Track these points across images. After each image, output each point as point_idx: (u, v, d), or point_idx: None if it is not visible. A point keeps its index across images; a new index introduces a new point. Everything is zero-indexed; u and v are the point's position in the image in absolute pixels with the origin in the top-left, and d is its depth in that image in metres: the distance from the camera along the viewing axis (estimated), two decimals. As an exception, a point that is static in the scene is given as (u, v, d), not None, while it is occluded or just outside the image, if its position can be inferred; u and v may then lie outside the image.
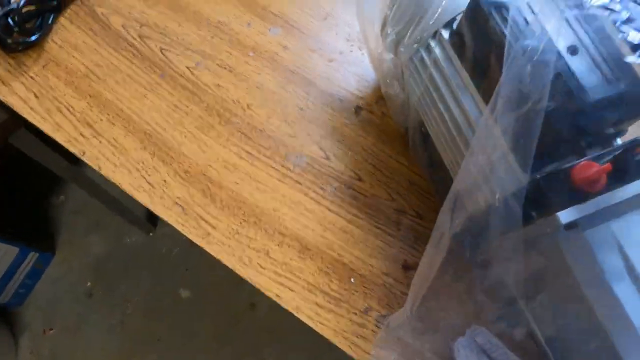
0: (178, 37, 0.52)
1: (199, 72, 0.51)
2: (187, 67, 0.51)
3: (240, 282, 0.44)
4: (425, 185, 0.47)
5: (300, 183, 0.46)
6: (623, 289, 0.29)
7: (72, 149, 0.47)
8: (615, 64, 0.29)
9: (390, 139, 0.48)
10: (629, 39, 0.27)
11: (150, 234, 1.17)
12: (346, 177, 0.47)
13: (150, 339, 1.08)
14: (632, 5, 0.28)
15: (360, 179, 0.47)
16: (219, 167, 0.47)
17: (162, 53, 0.51)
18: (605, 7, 0.30)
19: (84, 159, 0.47)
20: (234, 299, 1.09)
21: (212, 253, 0.44)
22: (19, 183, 1.20)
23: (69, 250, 1.16)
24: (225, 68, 0.51)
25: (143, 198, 0.45)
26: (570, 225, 0.28)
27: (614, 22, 0.29)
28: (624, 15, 0.28)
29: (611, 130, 0.31)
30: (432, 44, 0.37)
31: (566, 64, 0.29)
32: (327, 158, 0.48)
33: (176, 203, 0.45)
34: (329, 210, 0.45)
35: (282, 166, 0.47)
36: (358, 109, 0.50)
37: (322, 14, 0.54)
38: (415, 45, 0.39)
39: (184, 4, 0.54)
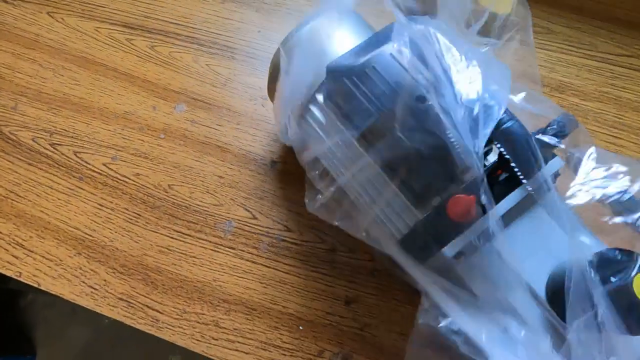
0: (89, 137, 0.54)
1: (116, 166, 0.52)
2: (104, 164, 0.53)
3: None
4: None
5: (233, 248, 0.49)
6: (517, 297, 0.32)
7: (8, 273, 0.48)
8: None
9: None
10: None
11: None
12: (275, 231, 0.49)
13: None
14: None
15: (288, 229, 0.49)
16: (154, 253, 0.49)
17: (76, 156, 0.53)
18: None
19: (22, 279, 0.48)
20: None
21: (165, 338, 0.46)
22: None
23: (50, 345, 1.15)
24: (140, 156, 0.53)
25: (88, 302, 0.47)
26: (458, 256, 0.32)
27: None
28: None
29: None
30: (312, 108, 0.40)
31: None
32: (254, 217, 0.50)
33: (120, 299, 0.47)
34: (266, 266, 0.48)
35: (214, 236, 0.49)
36: (273, 164, 0.52)
37: (222, 81, 0.57)
38: (302, 112, 0.42)
39: (88, 103, 0.56)
